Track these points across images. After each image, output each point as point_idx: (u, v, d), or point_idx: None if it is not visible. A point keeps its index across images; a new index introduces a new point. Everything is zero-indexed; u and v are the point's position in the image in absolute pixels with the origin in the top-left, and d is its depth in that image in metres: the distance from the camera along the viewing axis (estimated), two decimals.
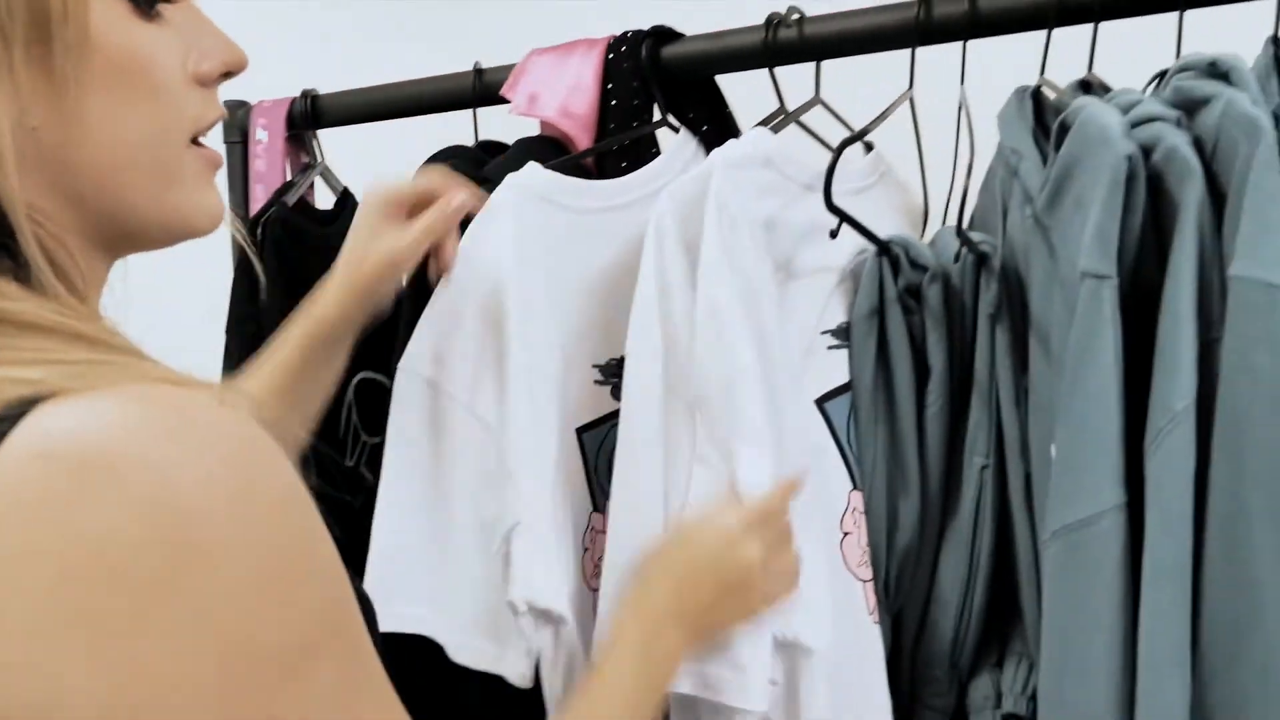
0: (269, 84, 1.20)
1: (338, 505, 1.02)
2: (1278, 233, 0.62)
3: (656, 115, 0.94)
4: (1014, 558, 0.80)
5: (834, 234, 0.81)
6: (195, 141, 0.52)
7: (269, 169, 1.18)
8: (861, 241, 0.83)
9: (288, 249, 1.02)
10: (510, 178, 0.86)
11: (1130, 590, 0.66)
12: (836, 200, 0.81)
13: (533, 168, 0.87)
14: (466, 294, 0.85)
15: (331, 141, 1.22)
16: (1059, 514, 0.69)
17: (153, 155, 0.50)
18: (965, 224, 0.83)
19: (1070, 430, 0.68)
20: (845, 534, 0.80)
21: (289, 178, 1.16)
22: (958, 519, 0.82)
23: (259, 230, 1.01)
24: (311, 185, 1.24)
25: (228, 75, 0.54)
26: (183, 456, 0.37)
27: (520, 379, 0.82)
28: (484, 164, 0.96)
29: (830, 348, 0.83)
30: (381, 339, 0.97)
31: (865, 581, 0.80)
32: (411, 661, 0.80)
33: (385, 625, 0.83)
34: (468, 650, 0.82)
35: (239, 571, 0.38)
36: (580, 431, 0.91)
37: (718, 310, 0.74)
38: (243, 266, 1.02)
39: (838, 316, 0.83)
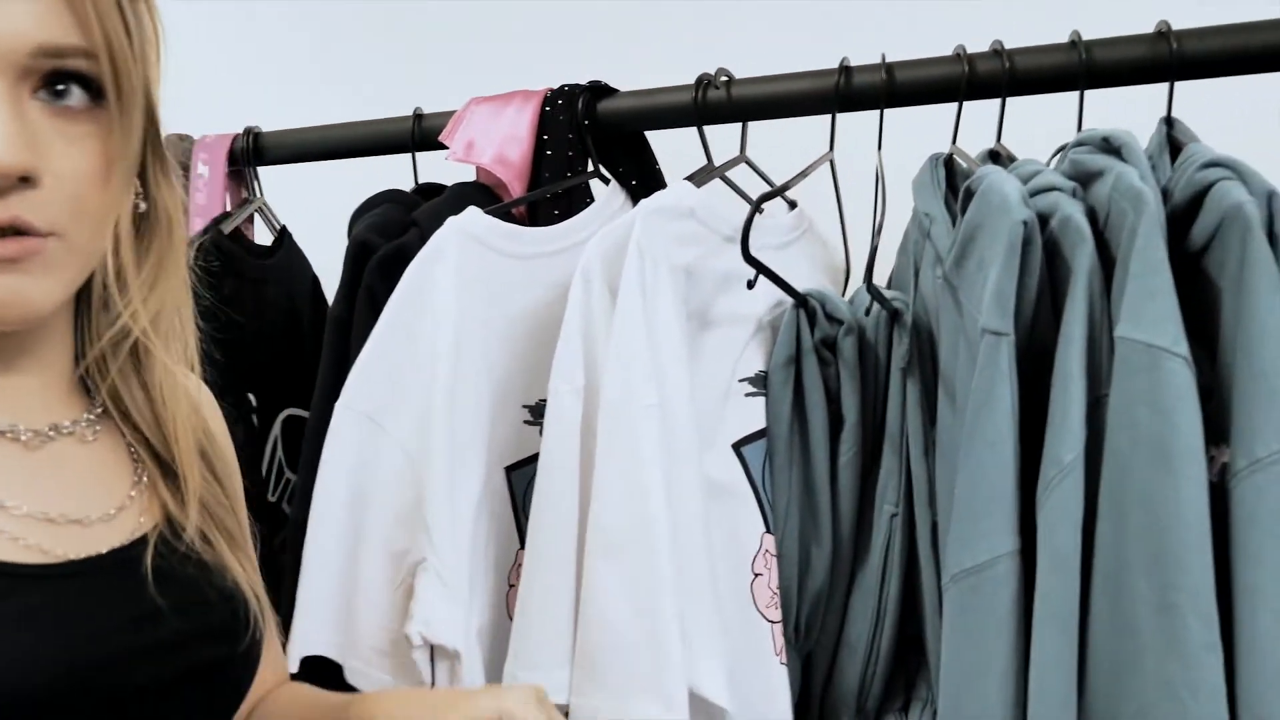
0: (213, 119, 1.22)
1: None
2: (1159, 298, 0.66)
3: (589, 166, 0.97)
4: (920, 603, 0.82)
5: (751, 284, 0.84)
6: None
7: (209, 202, 1.19)
8: (780, 293, 0.86)
9: (218, 274, 1.02)
10: (451, 220, 0.88)
11: (1023, 634, 0.69)
12: (759, 254, 0.84)
13: (472, 212, 0.89)
14: (405, 331, 0.86)
15: (272, 179, 1.24)
16: (957, 558, 0.72)
17: None
18: (885, 282, 0.87)
19: (968, 478, 0.72)
20: (756, 575, 0.82)
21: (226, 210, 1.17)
22: (867, 564, 0.85)
23: (195, 255, 1.02)
24: (250, 220, 1.25)
25: None
26: None
27: (443, 416, 0.83)
28: (416, 207, 0.98)
29: (748, 394, 0.85)
30: (306, 377, 0.98)
31: (774, 623, 0.82)
32: (330, 681, 0.81)
33: (300, 646, 0.85)
34: (363, 677, 0.84)
35: None
36: (509, 470, 0.92)
37: (627, 351, 0.76)
38: None
39: (755, 365, 0.86)
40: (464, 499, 0.86)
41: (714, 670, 0.74)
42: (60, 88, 0.53)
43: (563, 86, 0.98)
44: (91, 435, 0.63)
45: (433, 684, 0.83)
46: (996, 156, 0.83)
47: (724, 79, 0.90)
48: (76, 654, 0.54)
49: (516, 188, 0.98)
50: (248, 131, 1.17)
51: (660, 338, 0.78)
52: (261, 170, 1.22)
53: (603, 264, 0.82)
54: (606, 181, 0.97)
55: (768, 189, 0.88)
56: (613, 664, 0.76)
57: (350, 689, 0.85)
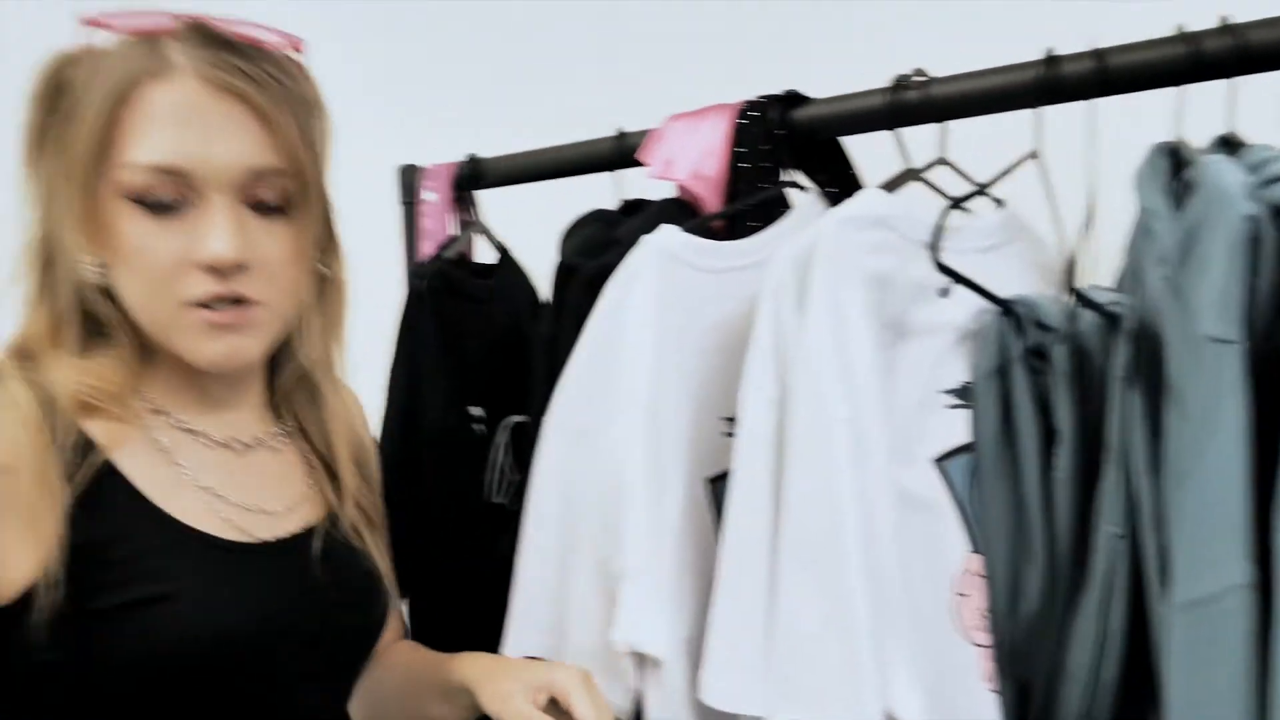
0: (437, 149, 1.31)
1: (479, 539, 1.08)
2: None
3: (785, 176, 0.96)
4: (1148, 633, 0.76)
5: (944, 293, 0.81)
6: (203, 304, 0.72)
7: (435, 225, 1.28)
8: (985, 301, 0.82)
9: (444, 297, 1.10)
10: (647, 240, 0.90)
11: (1259, 672, 0.62)
12: (960, 258, 0.81)
13: (668, 230, 0.91)
14: (606, 348, 0.89)
15: (493, 201, 1.31)
16: (1184, 587, 0.66)
17: (150, 313, 0.73)
18: (1108, 284, 0.80)
19: (1195, 500, 0.66)
20: (961, 596, 0.79)
21: (453, 234, 1.25)
22: (1088, 588, 0.79)
23: (421, 283, 1.10)
24: (471, 241, 1.33)
25: (212, 267, 0.71)
26: None
27: (643, 429, 0.85)
28: (620, 224, 1.01)
29: (950, 407, 0.82)
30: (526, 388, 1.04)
31: (980, 647, 0.79)
32: None
33: (514, 648, 0.89)
34: None
35: None
36: (711, 481, 0.93)
37: (817, 363, 0.75)
38: (408, 310, 1.12)
39: (958, 376, 0.82)
40: (667, 510, 0.88)
41: (909, 692, 0.72)
42: (265, 204, 0.73)
43: (757, 98, 0.98)
44: (280, 446, 0.84)
45: (639, 692, 0.85)
46: (1228, 144, 0.76)
47: (920, 78, 0.87)
48: (266, 609, 0.74)
49: (713, 202, 0.99)
50: (469, 159, 1.24)
51: (851, 349, 0.76)
52: (482, 194, 1.29)
53: (793, 274, 0.81)
54: (804, 190, 0.96)
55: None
56: (804, 678, 0.76)
57: None
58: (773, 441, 0.80)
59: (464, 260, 1.24)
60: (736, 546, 0.82)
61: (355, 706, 0.87)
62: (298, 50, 0.76)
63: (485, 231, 1.30)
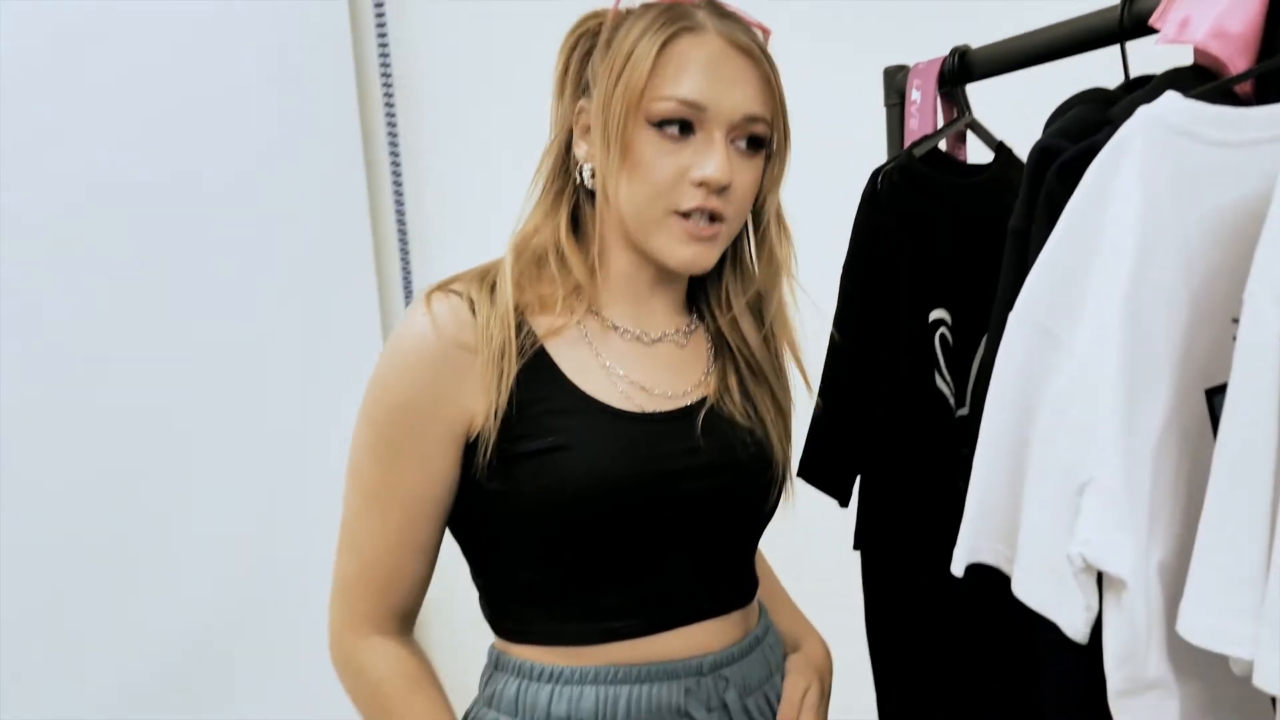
0: (926, 45, 1.25)
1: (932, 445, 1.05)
2: None
3: None
4: None
5: None
6: (684, 214, 0.91)
7: (921, 126, 1.23)
8: None
9: (905, 196, 1.06)
10: (1141, 110, 0.79)
11: None
12: None
13: (1169, 97, 0.78)
14: (1082, 236, 0.80)
15: (988, 94, 1.23)
16: None
17: (641, 213, 0.92)
18: None
19: None
20: None
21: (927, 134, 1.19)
22: None
23: (877, 181, 1.07)
24: (963, 140, 1.26)
25: (704, 184, 0.90)
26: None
27: (1122, 326, 0.76)
28: (1116, 103, 0.89)
29: None
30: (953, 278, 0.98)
31: None
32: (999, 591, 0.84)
33: (966, 553, 0.86)
34: (1027, 590, 0.81)
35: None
36: (1210, 394, 0.80)
37: None
38: (862, 215, 1.10)
39: None
40: (1148, 419, 0.77)
41: None
42: (744, 141, 0.93)
43: None
44: (685, 341, 1.02)
45: (1100, 612, 0.77)
46: None
47: None
48: (653, 466, 0.92)
49: (1239, 65, 0.83)
50: (954, 51, 1.18)
51: None
52: (977, 88, 1.22)
53: None
54: None
55: None
56: None
57: (1017, 603, 0.84)
58: (1276, 348, 0.66)
59: (944, 159, 1.18)
60: (1231, 467, 0.70)
61: None
62: (767, 36, 0.97)
63: (973, 126, 1.23)
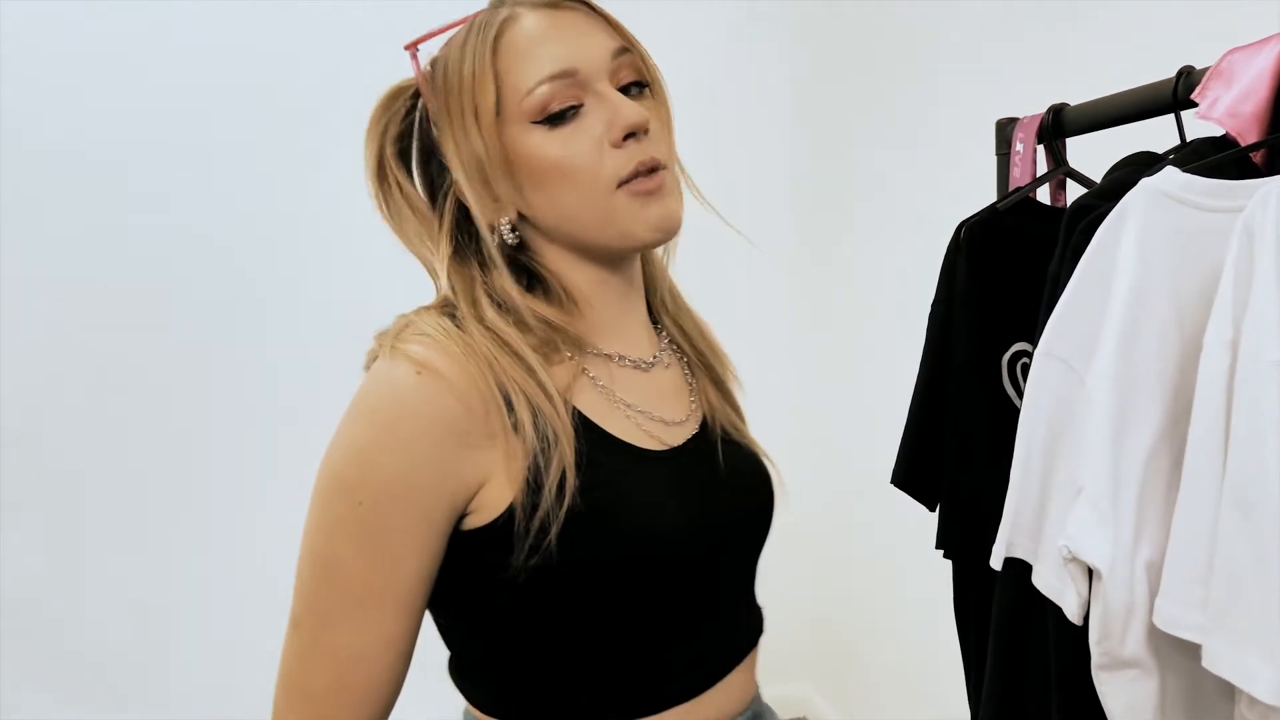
0: (1041, 101, 1.39)
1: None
2: None
3: None
4: None
5: None
6: (626, 181, 0.80)
7: (1022, 175, 1.38)
8: None
9: (982, 247, 1.22)
10: (1143, 181, 0.94)
11: None
12: None
13: (1168, 171, 0.93)
14: (1091, 281, 0.96)
15: (1088, 147, 1.35)
16: None
17: (586, 210, 0.80)
18: None
19: None
20: None
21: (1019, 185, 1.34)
22: None
23: (960, 233, 1.24)
24: (1062, 185, 1.40)
25: (631, 135, 0.80)
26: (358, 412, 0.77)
27: (1112, 350, 0.91)
28: (1155, 167, 1.02)
29: None
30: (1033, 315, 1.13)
31: None
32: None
33: (1005, 551, 1.02)
34: (1041, 578, 0.98)
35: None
36: None
37: (1260, 304, 0.74)
38: (946, 256, 1.26)
39: None
40: (1139, 435, 0.92)
41: None
42: (626, 89, 0.83)
43: None
44: (668, 361, 0.94)
45: (1088, 599, 0.92)
46: None
47: None
48: (693, 507, 0.84)
49: (1251, 138, 0.95)
50: (1050, 109, 1.32)
51: None
52: (1076, 141, 1.35)
53: (1276, 211, 0.79)
54: None
55: None
56: (1233, 612, 0.77)
57: (1036, 592, 1.00)
58: (1224, 385, 0.80)
59: (1037, 207, 1.32)
60: (1192, 481, 0.84)
61: None
62: None
63: (1072, 175, 1.36)
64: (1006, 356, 1.26)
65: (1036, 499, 1.01)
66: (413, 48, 0.85)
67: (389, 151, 0.86)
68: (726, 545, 0.87)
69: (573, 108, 0.80)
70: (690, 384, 0.95)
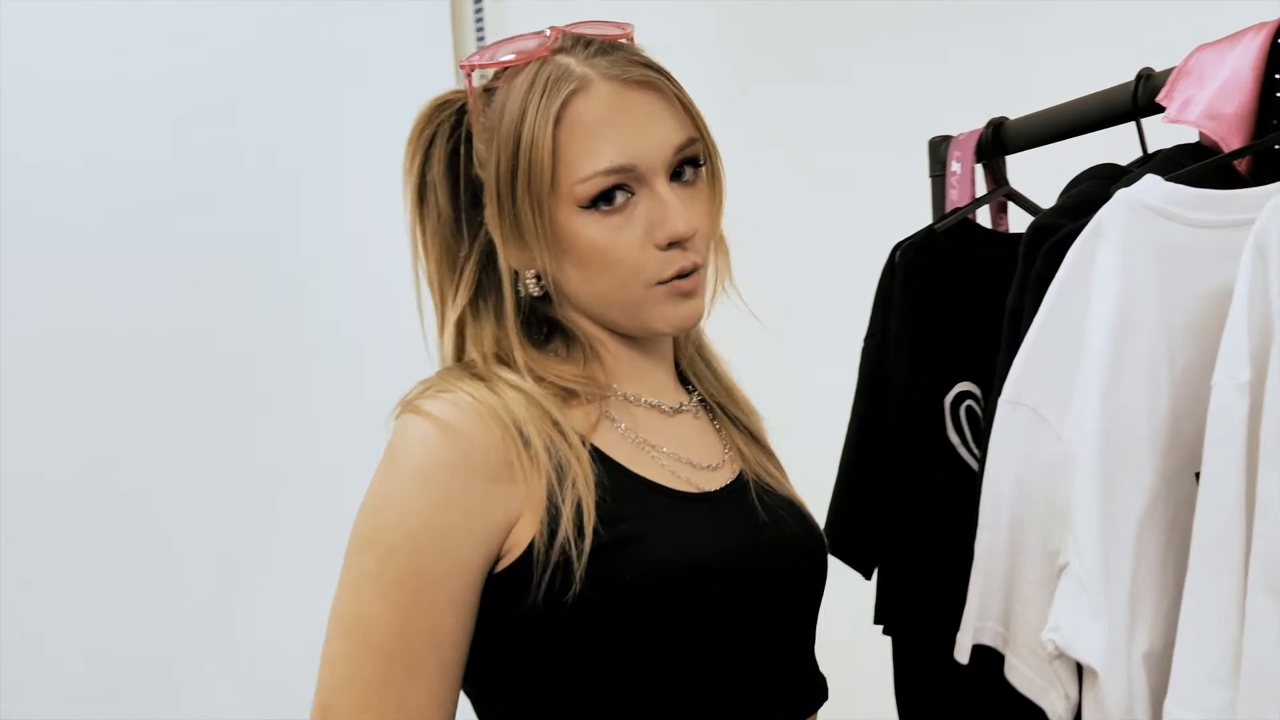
0: (970, 117, 1.26)
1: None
2: None
3: None
4: None
5: None
6: (664, 281, 0.79)
7: (960, 197, 1.24)
8: None
9: (921, 270, 1.07)
10: (1120, 193, 0.80)
11: None
12: None
13: (1149, 180, 0.79)
14: (1063, 318, 0.81)
15: (1028, 165, 1.22)
16: None
17: (618, 297, 0.81)
18: None
19: None
20: None
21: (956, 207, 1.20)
22: None
23: (894, 256, 1.09)
24: (1003, 208, 1.26)
25: (674, 243, 0.79)
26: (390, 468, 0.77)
27: (1096, 407, 0.76)
28: (1121, 180, 0.88)
29: None
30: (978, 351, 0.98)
31: None
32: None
33: (970, 635, 0.86)
34: (1018, 674, 0.82)
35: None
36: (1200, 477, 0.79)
37: None
38: (879, 290, 1.11)
39: None
40: (1128, 503, 0.77)
41: None
42: (680, 171, 0.81)
43: None
44: (696, 413, 0.91)
45: (1079, 700, 0.76)
46: None
47: None
48: (729, 545, 0.80)
49: (1234, 144, 0.82)
50: (990, 124, 1.18)
51: None
52: (1017, 159, 1.22)
53: None
54: None
55: None
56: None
57: (1009, 686, 0.84)
58: (1243, 434, 0.65)
59: (977, 230, 1.18)
60: (1203, 557, 0.69)
61: None
62: (630, 38, 0.84)
63: (1012, 196, 1.23)
64: (949, 398, 1.11)
65: (1004, 574, 0.85)
66: (469, 67, 0.83)
67: (436, 171, 0.85)
68: (771, 595, 0.82)
69: (626, 194, 0.79)
70: (720, 433, 0.92)
